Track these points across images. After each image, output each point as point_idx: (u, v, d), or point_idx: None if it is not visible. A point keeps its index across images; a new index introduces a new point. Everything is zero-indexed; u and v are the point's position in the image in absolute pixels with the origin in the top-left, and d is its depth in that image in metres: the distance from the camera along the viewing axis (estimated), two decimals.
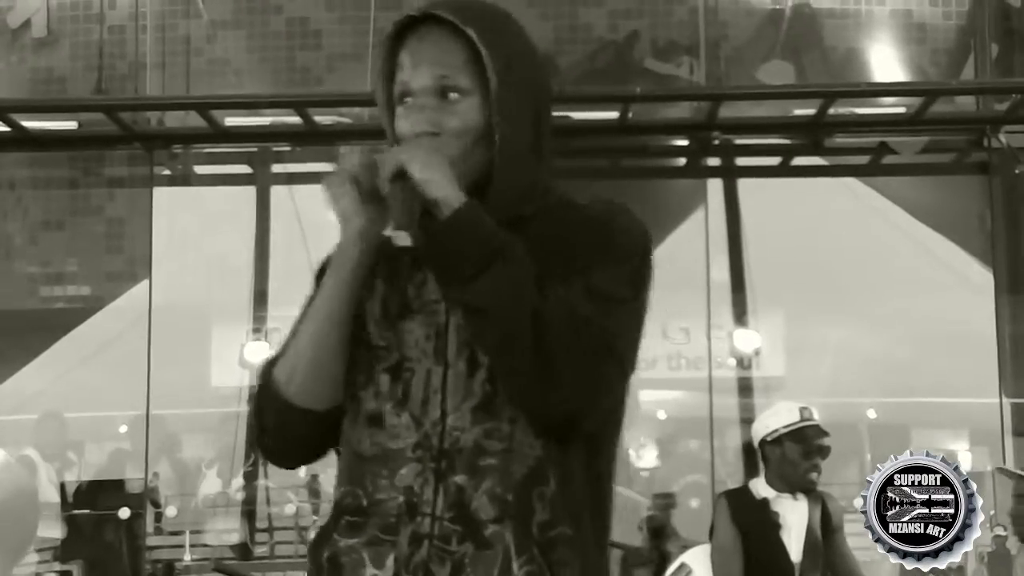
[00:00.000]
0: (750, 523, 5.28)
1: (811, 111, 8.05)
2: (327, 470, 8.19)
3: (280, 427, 2.08)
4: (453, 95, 2.00)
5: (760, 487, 5.36)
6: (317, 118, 8.06)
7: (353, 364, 2.06)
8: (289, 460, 2.18)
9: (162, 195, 8.54)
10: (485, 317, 1.92)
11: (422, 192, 1.92)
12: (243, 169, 8.74)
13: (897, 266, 8.40)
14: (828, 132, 8.37)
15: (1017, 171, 8.26)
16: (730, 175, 8.57)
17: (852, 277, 8.38)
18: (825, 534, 5.29)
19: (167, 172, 8.64)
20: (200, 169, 8.69)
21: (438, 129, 1.99)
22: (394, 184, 1.93)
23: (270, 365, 2.09)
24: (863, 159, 8.52)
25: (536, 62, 2.10)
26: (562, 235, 2.02)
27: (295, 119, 8.09)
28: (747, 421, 8.09)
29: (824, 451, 5.31)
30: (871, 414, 8.79)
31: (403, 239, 2.00)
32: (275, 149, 8.60)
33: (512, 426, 1.98)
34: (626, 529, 7.88)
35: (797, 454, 5.27)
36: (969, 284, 8.35)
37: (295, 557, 7.92)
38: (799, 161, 8.60)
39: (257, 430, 2.10)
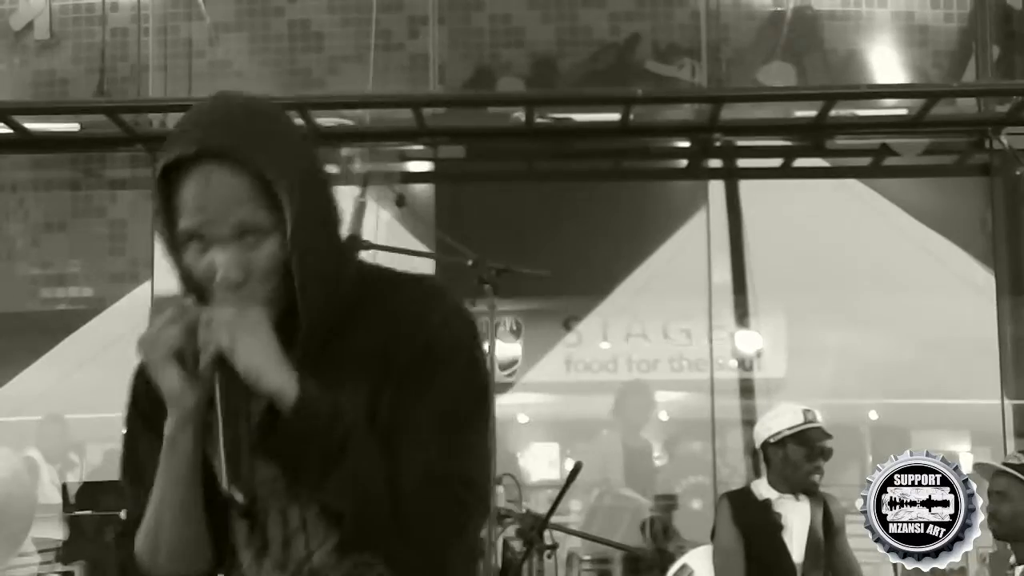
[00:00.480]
0: (752, 524, 5.29)
1: (812, 113, 8.05)
2: None
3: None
4: (252, 237, 1.85)
5: (762, 488, 5.37)
6: (318, 120, 8.06)
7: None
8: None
9: None
10: (342, 516, 1.85)
11: (250, 383, 1.80)
12: None
13: (898, 268, 8.40)
14: (829, 134, 8.37)
15: (1018, 173, 8.26)
16: (731, 177, 8.57)
17: (853, 279, 8.38)
18: (827, 535, 5.30)
19: None
20: None
21: (247, 275, 1.85)
22: (213, 369, 1.80)
23: (125, 547, 2.00)
24: (864, 161, 8.52)
25: (305, 150, 1.93)
26: (382, 333, 1.92)
27: (297, 121, 8.07)
28: (749, 423, 8.09)
29: (827, 453, 5.32)
30: (872, 416, 8.79)
31: (238, 496, 1.81)
32: None
33: (381, 558, 1.92)
34: (628, 530, 7.88)
35: (800, 456, 5.28)
36: (971, 286, 8.35)
37: None
38: (800, 163, 8.60)
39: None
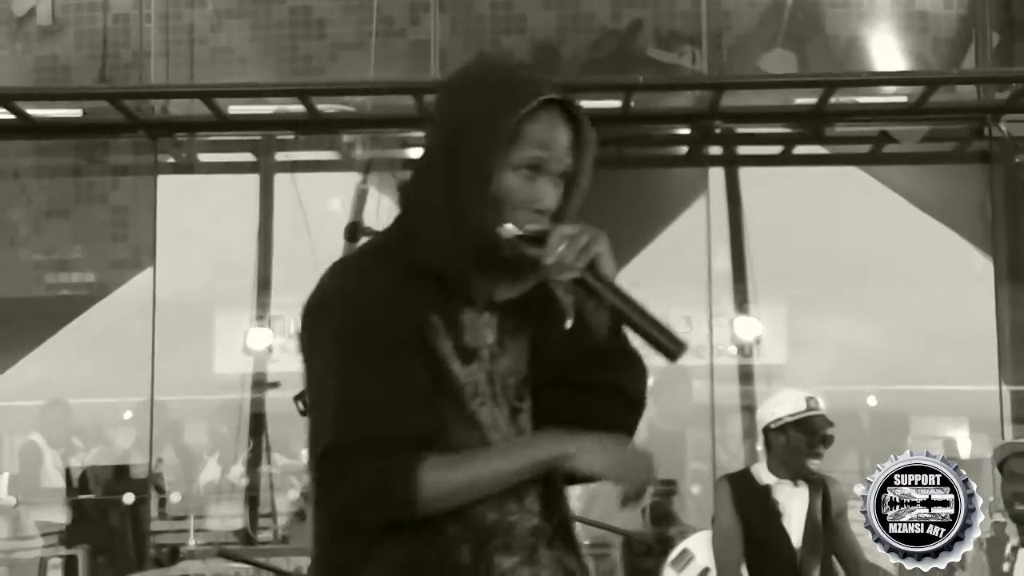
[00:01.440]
0: (751, 509, 5.30)
1: (812, 100, 8.06)
2: None
3: (390, 518, 2.05)
4: (562, 180, 2.19)
5: (762, 473, 5.38)
6: (320, 106, 8.07)
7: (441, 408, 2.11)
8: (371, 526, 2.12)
9: (166, 183, 8.55)
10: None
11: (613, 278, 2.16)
12: (247, 157, 8.76)
13: (898, 255, 8.41)
14: (829, 121, 8.38)
15: (1018, 160, 8.27)
16: (732, 164, 8.58)
17: (853, 266, 8.39)
18: (827, 520, 5.31)
19: (171, 160, 8.66)
20: (204, 157, 8.71)
21: (554, 207, 2.17)
22: (587, 273, 2.13)
23: (410, 450, 2.03)
24: (864, 148, 8.53)
25: None
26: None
27: (298, 107, 8.10)
28: (748, 409, 8.12)
29: (828, 440, 5.33)
30: (871, 402, 8.81)
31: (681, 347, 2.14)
32: (278, 137, 8.61)
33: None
34: (628, 515, 7.90)
35: (801, 443, 5.29)
36: (969, 272, 8.36)
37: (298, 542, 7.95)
38: (800, 150, 8.61)
39: (361, 502, 2.03)
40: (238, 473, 8.48)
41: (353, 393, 2.03)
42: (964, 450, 8.33)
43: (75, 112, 8.45)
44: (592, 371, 2.23)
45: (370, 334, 2.05)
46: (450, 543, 2.07)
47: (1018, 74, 8.21)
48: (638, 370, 2.29)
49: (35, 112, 8.24)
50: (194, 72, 8.57)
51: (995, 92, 8.25)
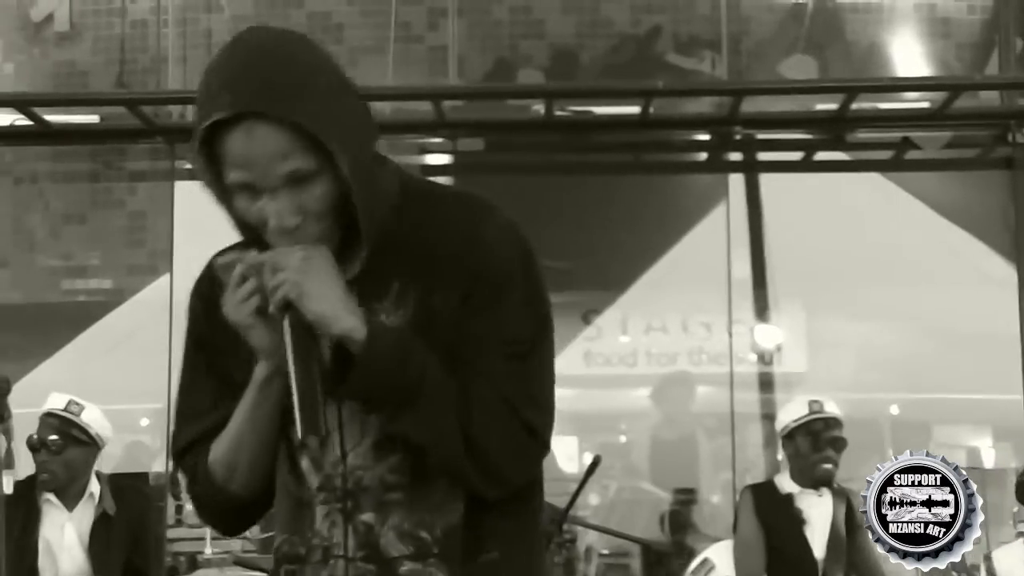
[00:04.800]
0: (774, 518, 5.28)
1: (834, 106, 8.02)
2: None
3: (226, 513, 2.11)
4: (304, 182, 1.89)
5: (784, 482, 5.37)
6: None
7: None
8: (237, 531, 2.20)
9: (183, 189, 8.53)
10: (423, 447, 1.91)
11: (319, 329, 1.86)
12: None
13: (920, 261, 8.36)
14: (851, 127, 8.33)
15: None
16: (752, 170, 8.54)
17: (874, 273, 8.34)
18: (849, 531, 5.28)
19: (188, 166, 8.64)
20: None
21: (302, 216, 1.89)
22: (282, 315, 1.86)
23: (190, 456, 2.10)
24: (886, 154, 8.47)
25: (335, 78, 1.99)
26: (434, 244, 1.96)
27: None
28: (768, 417, 8.07)
29: (836, 443, 5.30)
30: (893, 410, 8.76)
31: (312, 443, 1.94)
32: None
33: (416, 459, 1.94)
34: (647, 524, 7.87)
35: (807, 447, 5.29)
36: (992, 280, 8.30)
37: None
38: (821, 156, 8.56)
39: (202, 512, 2.13)
40: None
41: (174, 406, 2.16)
42: (988, 460, 8.27)
43: (92, 118, 8.44)
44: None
45: (186, 347, 2.15)
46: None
47: None
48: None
49: (52, 118, 8.24)
50: None
51: (1019, 98, 8.19)
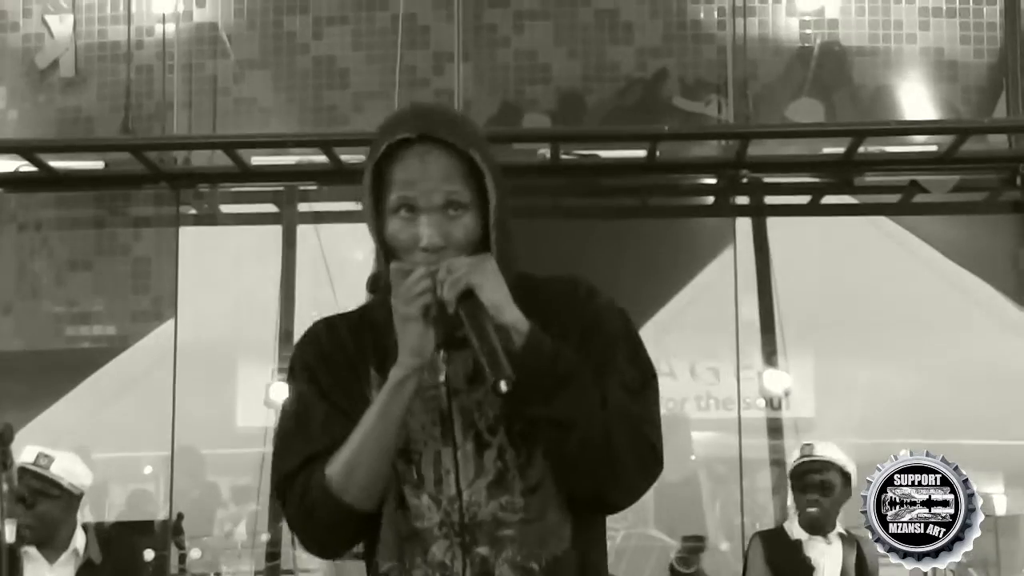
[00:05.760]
0: (783, 565, 5.24)
1: (840, 149, 8.01)
2: None
3: (336, 526, 2.23)
4: (454, 210, 2.17)
5: (794, 529, 5.34)
6: (343, 157, 8.05)
7: None
8: (339, 552, 2.33)
9: (188, 234, 8.53)
10: (571, 429, 2.12)
11: (492, 315, 2.11)
12: (269, 208, 8.73)
13: (928, 306, 8.32)
14: (858, 170, 8.32)
15: None
16: (759, 213, 8.52)
17: (883, 317, 8.30)
18: None
19: (193, 211, 8.64)
20: (226, 208, 8.69)
21: (446, 242, 2.16)
22: (460, 304, 2.11)
23: (302, 474, 2.22)
24: (894, 198, 8.46)
25: (490, 147, 2.25)
26: (542, 311, 2.20)
27: (321, 158, 8.08)
28: (777, 462, 8.02)
29: (823, 486, 5.27)
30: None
31: (503, 386, 2.08)
32: (301, 188, 8.59)
33: (525, 498, 2.19)
34: (656, 571, 7.80)
35: (798, 491, 5.29)
36: (1002, 324, 8.27)
37: None
38: (829, 200, 8.54)
39: (309, 528, 2.25)
40: (260, 527, 8.40)
41: (276, 444, 2.29)
42: (1000, 506, 8.21)
43: (97, 164, 8.45)
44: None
45: (298, 385, 2.30)
46: None
47: None
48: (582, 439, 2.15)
49: (57, 164, 8.25)
50: (216, 123, 8.56)
51: None
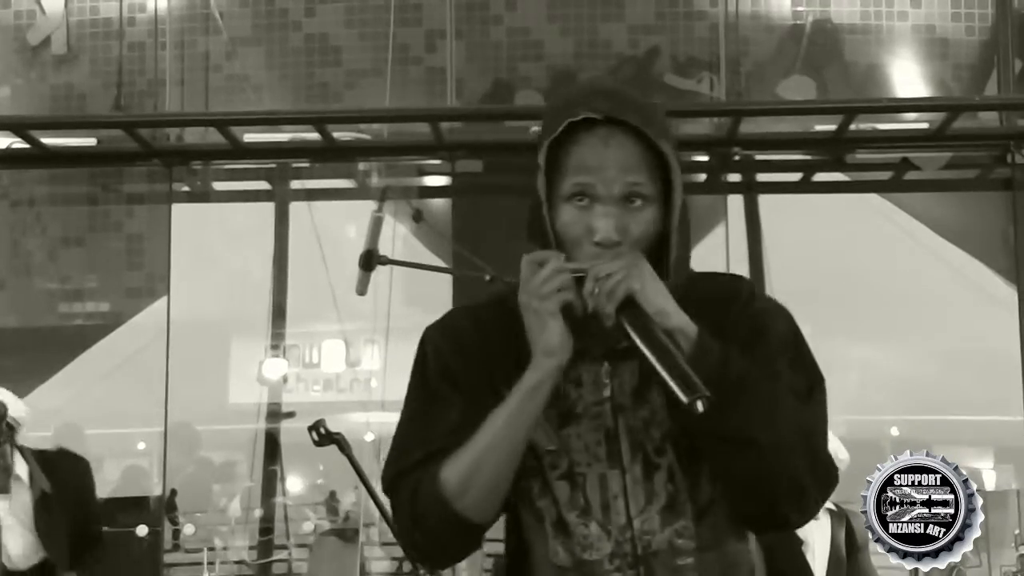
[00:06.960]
0: (773, 541, 5.25)
1: (832, 127, 8.01)
2: (345, 488, 8.16)
3: (443, 536, 2.02)
4: (637, 202, 1.98)
5: None
6: (336, 134, 8.04)
7: (522, 471, 2.01)
8: (442, 564, 2.23)
9: (181, 211, 8.53)
10: (748, 442, 1.92)
11: (658, 319, 1.90)
12: (262, 185, 8.72)
13: (920, 283, 8.35)
14: (849, 148, 8.32)
15: None
16: (750, 191, 8.53)
17: (874, 294, 8.32)
18: (849, 552, 5.26)
19: (186, 188, 8.63)
20: (219, 185, 8.69)
21: (622, 236, 1.96)
22: (621, 314, 1.91)
23: (416, 472, 2.02)
24: (885, 175, 8.47)
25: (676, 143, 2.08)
26: (696, 310, 1.99)
27: (314, 135, 8.07)
28: None
29: None
30: (894, 432, 8.73)
31: (699, 406, 1.88)
32: (294, 165, 8.58)
33: (697, 524, 2.02)
34: None
35: None
36: (993, 301, 8.29)
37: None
38: (820, 177, 8.55)
39: (414, 533, 2.03)
40: (253, 504, 8.43)
41: (396, 436, 2.07)
42: (989, 481, 8.24)
43: (90, 141, 8.43)
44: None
45: (426, 374, 2.08)
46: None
47: None
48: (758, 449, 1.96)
49: (50, 141, 8.23)
50: (209, 100, 8.56)
51: (1018, 118, 8.19)
